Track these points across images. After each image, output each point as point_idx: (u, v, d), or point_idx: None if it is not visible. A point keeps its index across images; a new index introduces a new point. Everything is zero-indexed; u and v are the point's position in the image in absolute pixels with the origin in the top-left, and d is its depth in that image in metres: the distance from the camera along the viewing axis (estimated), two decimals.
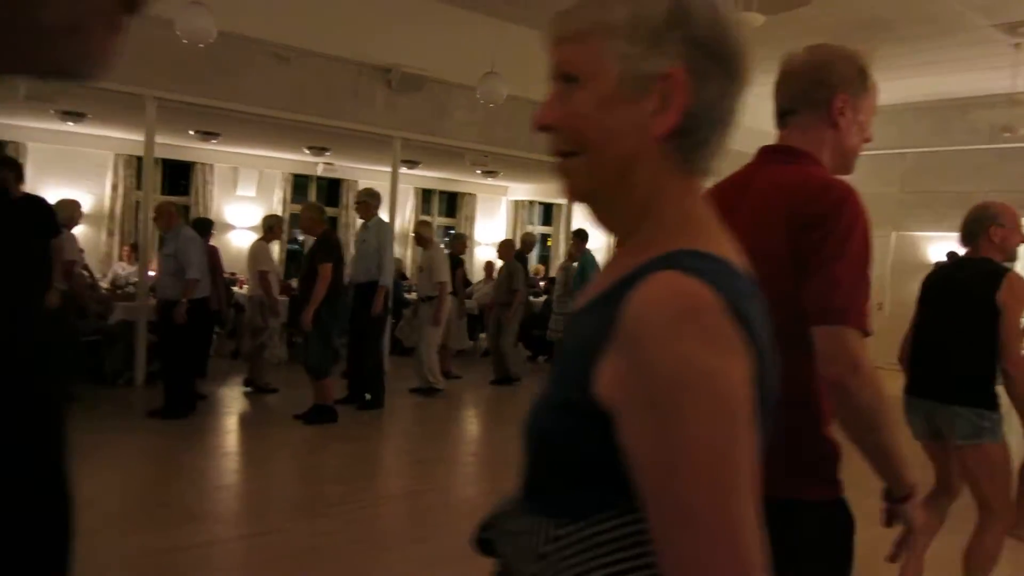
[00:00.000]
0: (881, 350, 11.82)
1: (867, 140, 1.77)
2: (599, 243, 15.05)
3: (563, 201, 11.87)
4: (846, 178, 1.68)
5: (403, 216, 13.62)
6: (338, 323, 6.73)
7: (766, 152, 1.78)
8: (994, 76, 9.41)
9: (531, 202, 15.80)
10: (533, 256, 14.84)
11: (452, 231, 14.90)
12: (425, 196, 14.77)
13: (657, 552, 0.75)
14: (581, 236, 8.88)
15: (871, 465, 1.59)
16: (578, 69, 0.85)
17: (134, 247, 9.77)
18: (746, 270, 0.86)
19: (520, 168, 11.93)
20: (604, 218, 0.92)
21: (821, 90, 1.69)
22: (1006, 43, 8.55)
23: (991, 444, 3.04)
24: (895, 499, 1.63)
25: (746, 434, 0.74)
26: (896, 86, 10.70)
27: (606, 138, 0.85)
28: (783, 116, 1.75)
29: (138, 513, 4.36)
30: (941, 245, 11.08)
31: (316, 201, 11.80)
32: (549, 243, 16.18)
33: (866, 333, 1.52)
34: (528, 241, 11.09)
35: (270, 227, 8.00)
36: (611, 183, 0.87)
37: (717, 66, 0.83)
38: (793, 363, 1.57)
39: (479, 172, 12.85)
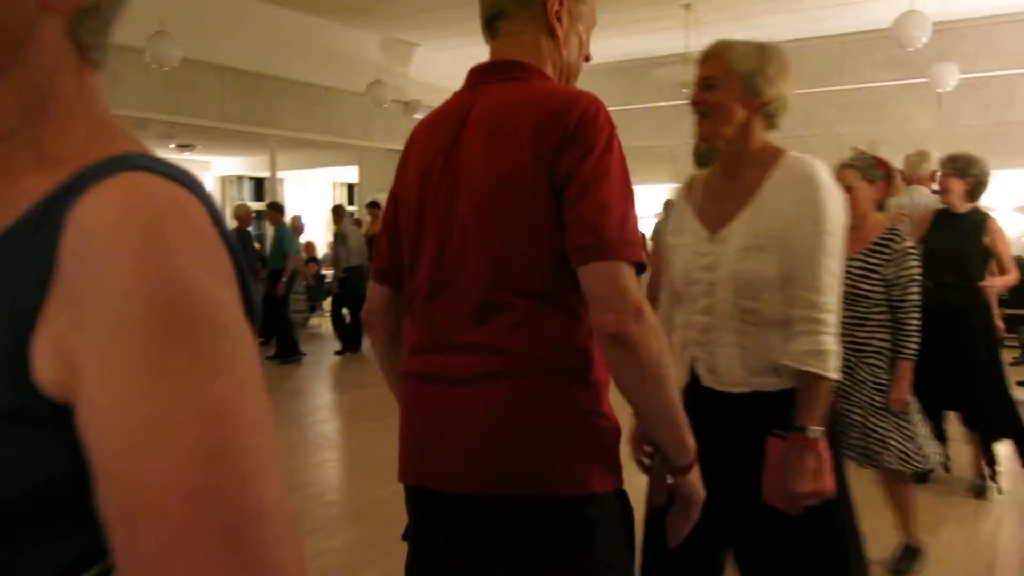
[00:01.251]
0: None
1: (587, 59, 1.51)
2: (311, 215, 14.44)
3: (271, 174, 11.13)
4: None
5: None
6: None
7: (480, 73, 1.42)
8: (671, 36, 10.11)
9: (240, 177, 14.79)
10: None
11: None
12: None
13: None
14: (276, 208, 8.63)
15: (652, 429, 1.32)
16: None
17: None
18: None
19: (220, 140, 11.04)
20: None
21: None
22: (677, 4, 9.16)
23: None
24: (676, 469, 1.35)
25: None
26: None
27: None
28: (492, 22, 1.44)
29: None
30: (636, 196, 11.87)
31: None
32: None
33: (643, 268, 1.21)
34: (242, 215, 9.52)
35: None
36: None
37: None
38: (559, 329, 1.26)
39: (172, 146, 11.70)
